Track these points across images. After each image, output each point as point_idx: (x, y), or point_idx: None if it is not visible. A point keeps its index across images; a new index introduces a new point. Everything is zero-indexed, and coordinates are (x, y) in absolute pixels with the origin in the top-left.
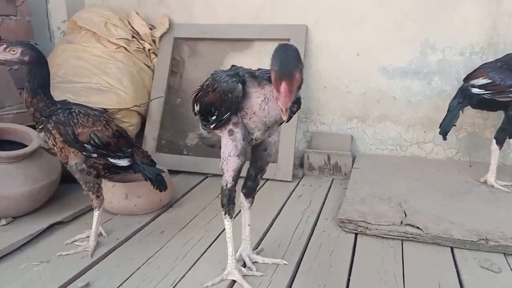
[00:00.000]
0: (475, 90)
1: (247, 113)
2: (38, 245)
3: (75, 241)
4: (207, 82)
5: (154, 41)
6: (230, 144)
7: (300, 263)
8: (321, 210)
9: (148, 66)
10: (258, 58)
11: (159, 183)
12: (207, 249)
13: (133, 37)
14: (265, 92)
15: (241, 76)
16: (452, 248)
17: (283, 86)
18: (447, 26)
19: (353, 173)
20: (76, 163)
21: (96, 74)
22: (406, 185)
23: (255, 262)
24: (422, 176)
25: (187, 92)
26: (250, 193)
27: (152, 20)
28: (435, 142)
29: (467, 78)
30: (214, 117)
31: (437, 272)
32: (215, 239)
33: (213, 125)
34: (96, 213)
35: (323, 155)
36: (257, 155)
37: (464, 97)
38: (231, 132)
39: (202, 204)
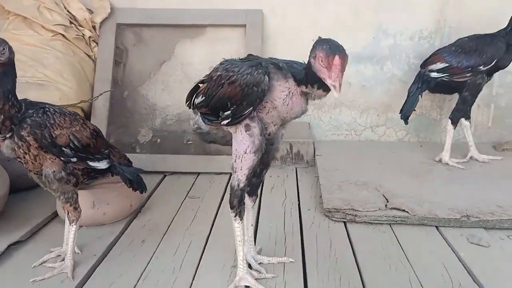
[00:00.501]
0: (433, 74)
1: (265, 107)
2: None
3: (44, 262)
4: (218, 73)
5: (94, 27)
6: (247, 140)
7: (304, 259)
8: (299, 200)
9: (89, 56)
10: (212, 45)
11: (139, 185)
12: (202, 255)
13: (70, 23)
14: (289, 86)
15: (264, 67)
16: (437, 227)
17: (337, 59)
18: (399, 12)
19: (319, 161)
20: (53, 172)
21: (31, 66)
22: (373, 168)
23: (260, 263)
24: (383, 159)
25: (134, 84)
26: (254, 190)
27: (89, 3)
28: (387, 125)
29: (424, 64)
30: (228, 112)
31: (436, 252)
32: (206, 243)
33: (227, 121)
34: (73, 228)
35: (285, 144)
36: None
37: (422, 82)
38: (248, 127)
39: (173, 206)
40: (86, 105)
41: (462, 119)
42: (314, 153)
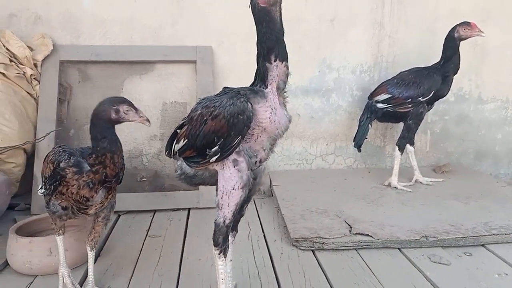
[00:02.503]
0: (379, 105)
1: (253, 134)
2: None
3: None
4: (198, 112)
5: (35, 65)
6: (235, 176)
7: None
8: (264, 232)
9: (31, 95)
10: (162, 81)
11: None
12: None
13: (10, 61)
14: (270, 103)
15: (243, 94)
16: (399, 249)
17: None
18: (341, 48)
19: (277, 191)
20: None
21: None
22: (330, 196)
23: None
24: (336, 186)
25: (81, 122)
26: (235, 226)
27: (29, 40)
28: (336, 154)
29: (371, 95)
30: (216, 148)
31: (404, 273)
32: (177, 284)
33: (216, 157)
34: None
35: None
36: None
37: (371, 112)
38: (235, 162)
39: (134, 247)
40: (29, 146)
41: (407, 145)
42: (271, 184)
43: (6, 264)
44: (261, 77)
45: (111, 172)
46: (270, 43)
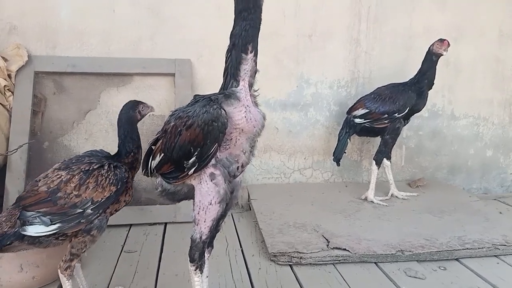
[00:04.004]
0: (357, 120)
1: (231, 138)
2: None
3: None
4: (172, 123)
5: (9, 75)
6: (212, 191)
7: None
8: (241, 246)
9: (4, 106)
10: (139, 94)
11: None
12: None
13: None
14: (243, 101)
15: (215, 100)
16: (376, 263)
17: None
18: (318, 63)
19: (255, 205)
20: None
21: None
22: (307, 210)
23: None
24: (314, 200)
25: (55, 134)
26: (211, 242)
27: (3, 51)
28: (314, 168)
29: (350, 110)
30: (193, 159)
31: None
32: None
33: (194, 168)
34: None
35: None
36: None
37: (349, 127)
38: (212, 176)
39: (109, 262)
40: (1, 159)
41: (384, 159)
42: (249, 198)
43: None
44: (233, 72)
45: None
46: (253, 32)
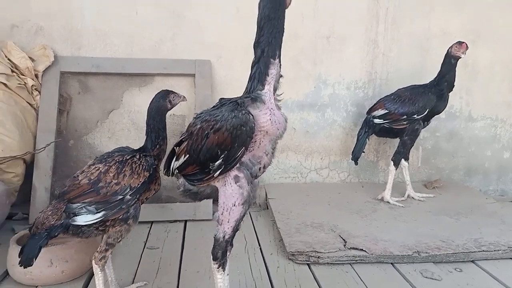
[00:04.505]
0: (376, 121)
1: (255, 140)
2: None
3: None
4: (198, 126)
5: (36, 76)
6: (236, 193)
7: None
8: (260, 245)
9: (31, 105)
10: None
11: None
12: None
13: (12, 71)
14: (267, 104)
15: (241, 104)
16: (393, 264)
17: None
18: (336, 64)
19: (272, 204)
20: None
21: None
22: (324, 210)
23: None
24: (331, 200)
25: (80, 132)
26: (231, 241)
27: (31, 51)
28: (330, 168)
29: (370, 111)
30: (220, 161)
31: None
32: None
33: (219, 170)
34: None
35: None
36: None
37: (368, 127)
38: (237, 179)
39: (133, 258)
40: (29, 157)
41: (402, 160)
42: (266, 197)
43: (6, 274)
44: (260, 77)
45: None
46: (280, 38)
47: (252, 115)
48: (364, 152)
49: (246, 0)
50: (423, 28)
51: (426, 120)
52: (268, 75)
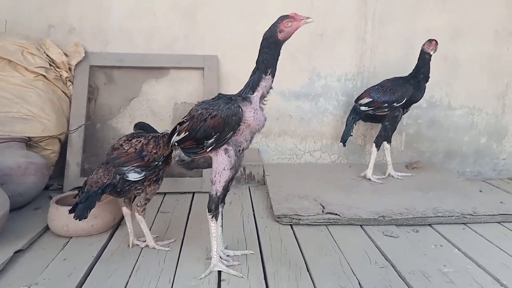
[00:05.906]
0: (362, 108)
1: (239, 129)
2: (8, 274)
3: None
4: (199, 111)
5: (70, 69)
6: (225, 160)
7: (261, 251)
8: (254, 211)
9: (66, 94)
10: (174, 85)
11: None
12: (180, 252)
13: (50, 65)
14: (253, 105)
15: (235, 100)
16: (361, 226)
17: (292, 13)
18: (328, 59)
19: (268, 180)
20: None
21: (17, 103)
22: (312, 184)
23: (228, 255)
24: (320, 177)
25: (106, 117)
26: (223, 198)
27: (65, 48)
28: (322, 150)
29: (357, 99)
30: (212, 140)
31: (360, 243)
32: (182, 244)
33: (211, 147)
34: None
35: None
36: None
37: (356, 114)
38: (226, 150)
39: (148, 219)
40: (63, 137)
41: (385, 143)
42: (264, 174)
43: (47, 228)
44: (253, 85)
45: None
46: (271, 62)
47: (242, 109)
48: (352, 135)
49: (249, 4)
50: (407, 26)
51: (405, 107)
52: (259, 86)
